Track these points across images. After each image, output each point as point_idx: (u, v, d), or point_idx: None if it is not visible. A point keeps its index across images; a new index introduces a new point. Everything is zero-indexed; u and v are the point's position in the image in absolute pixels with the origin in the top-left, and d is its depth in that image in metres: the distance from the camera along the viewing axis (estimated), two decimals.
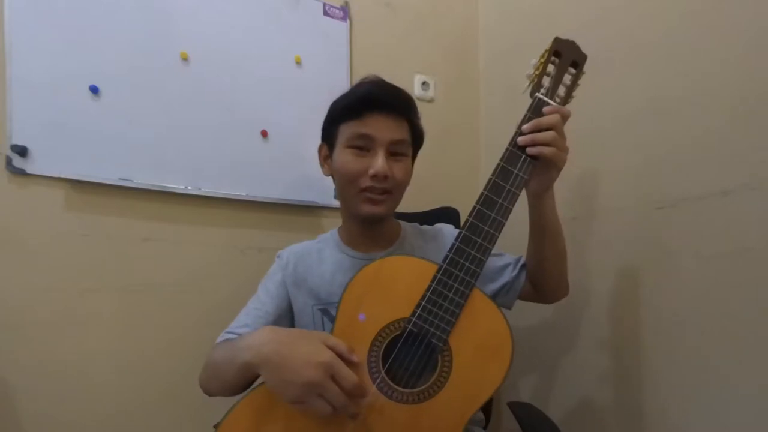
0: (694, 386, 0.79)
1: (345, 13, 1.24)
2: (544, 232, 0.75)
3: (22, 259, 0.91)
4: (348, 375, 0.55)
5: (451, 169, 1.37)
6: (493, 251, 0.82)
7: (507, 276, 0.82)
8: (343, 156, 0.75)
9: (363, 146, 0.74)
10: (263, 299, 0.78)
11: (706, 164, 0.78)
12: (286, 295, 0.79)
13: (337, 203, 1.17)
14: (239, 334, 0.71)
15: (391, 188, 0.75)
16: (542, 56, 0.70)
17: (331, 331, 0.63)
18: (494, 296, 0.81)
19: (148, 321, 1.00)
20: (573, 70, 0.70)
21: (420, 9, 1.36)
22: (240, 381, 0.63)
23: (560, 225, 0.76)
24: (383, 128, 0.73)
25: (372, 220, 0.77)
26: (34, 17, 0.91)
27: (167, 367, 1.01)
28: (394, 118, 0.75)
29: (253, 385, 0.62)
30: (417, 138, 0.81)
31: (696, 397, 0.79)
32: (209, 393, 0.70)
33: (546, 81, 0.69)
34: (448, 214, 1.09)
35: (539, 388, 1.13)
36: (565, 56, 0.70)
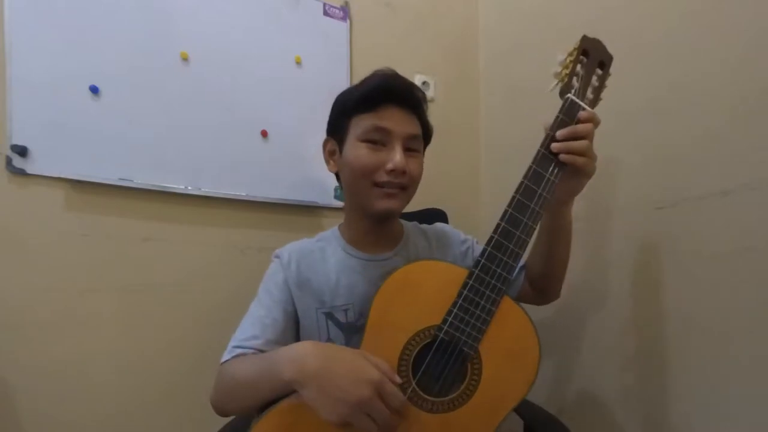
0: (693, 385, 0.79)
1: (345, 13, 1.24)
2: (560, 237, 0.74)
3: (22, 259, 0.91)
4: (396, 393, 0.55)
5: (451, 169, 1.37)
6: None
7: None
8: (356, 150, 0.71)
9: (379, 140, 0.71)
10: (268, 305, 0.73)
11: (706, 164, 0.78)
12: (290, 297, 0.75)
13: (337, 203, 1.17)
14: (253, 348, 0.67)
15: (407, 184, 0.73)
16: (570, 54, 0.67)
17: (361, 341, 0.61)
18: None
19: (148, 321, 1.00)
20: (600, 71, 0.68)
21: (420, 9, 1.36)
22: (272, 399, 0.59)
23: (572, 231, 0.76)
24: (400, 122, 0.71)
25: (386, 216, 0.75)
26: (34, 17, 0.91)
27: (167, 367, 1.01)
28: (409, 112, 0.73)
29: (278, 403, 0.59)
30: (427, 134, 0.80)
31: (696, 396, 0.79)
32: (225, 413, 0.67)
33: (574, 81, 0.67)
34: (437, 216, 1.08)
35: (538, 385, 1.12)
36: (593, 56, 0.67)
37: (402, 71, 0.77)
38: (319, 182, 1.15)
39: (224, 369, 0.66)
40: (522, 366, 0.62)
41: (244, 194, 1.09)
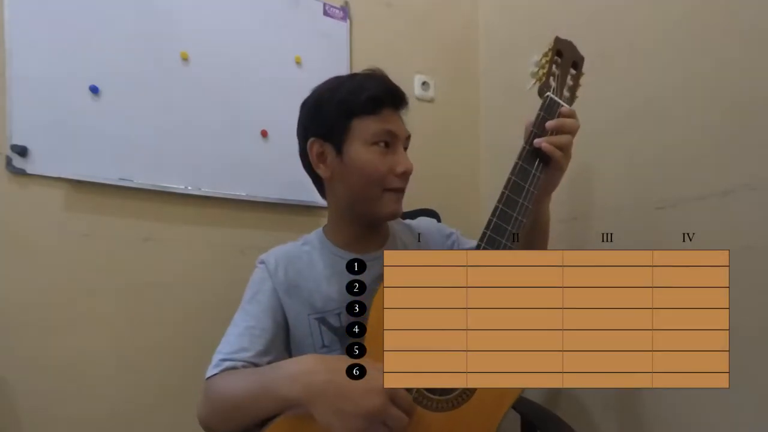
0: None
1: (345, 13, 1.24)
2: (537, 231, 0.76)
3: (22, 259, 0.91)
4: (405, 396, 0.54)
5: (451, 169, 1.37)
6: (467, 241, 0.86)
7: None
8: (366, 154, 0.70)
9: (387, 143, 0.71)
10: (257, 314, 0.70)
11: (706, 164, 0.78)
12: (279, 305, 0.72)
13: None
14: (243, 361, 0.64)
15: (405, 185, 0.75)
16: (545, 55, 0.70)
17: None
18: None
19: (148, 321, 1.00)
20: (573, 71, 0.72)
21: (420, 9, 1.36)
22: (271, 417, 0.57)
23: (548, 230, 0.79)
24: (399, 125, 0.74)
25: (392, 218, 0.76)
26: (34, 17, 0.91)
27: (167, 367, 1.01)
28: (400, 115, 0.75)
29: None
30: None
31: (696, 396, 0.79)
32: (212, 430, 0.62)
33: (551, 81, 0.70)
34: (430, 216, 1.07)
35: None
36: (566, 56, 0.71)
37: (402, 71, 0.77)
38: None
39: (212, 385, 0.62)
40: None
41: (244, 194, 1.09)
